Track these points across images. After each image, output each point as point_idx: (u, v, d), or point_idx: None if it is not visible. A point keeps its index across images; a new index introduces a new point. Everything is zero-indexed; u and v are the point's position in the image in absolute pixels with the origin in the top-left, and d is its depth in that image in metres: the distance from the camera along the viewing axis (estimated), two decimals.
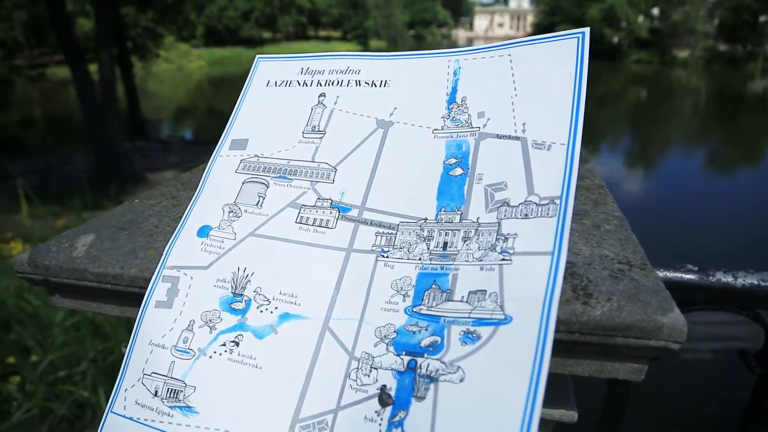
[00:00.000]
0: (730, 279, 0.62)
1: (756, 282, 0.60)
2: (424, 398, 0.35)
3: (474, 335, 0.35)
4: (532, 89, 0.45)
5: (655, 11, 35.71)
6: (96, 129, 7.32)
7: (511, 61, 0.47)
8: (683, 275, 0.62)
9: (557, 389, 0.50)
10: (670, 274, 0.63)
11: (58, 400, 1.97)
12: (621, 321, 0.37)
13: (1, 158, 7.76)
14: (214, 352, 0.42)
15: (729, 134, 12.05)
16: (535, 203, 0.39)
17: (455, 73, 0.49)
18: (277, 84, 0.57)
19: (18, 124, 12.79)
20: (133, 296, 0.49)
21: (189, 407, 0.41)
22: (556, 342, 0.39)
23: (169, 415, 0.41)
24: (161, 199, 0.63)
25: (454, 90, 0.49)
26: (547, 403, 0.49)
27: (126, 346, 0.46)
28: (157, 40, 13.03)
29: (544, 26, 45.11)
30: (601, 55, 33.56)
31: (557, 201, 0.39)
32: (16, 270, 0.53)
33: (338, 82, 0.54)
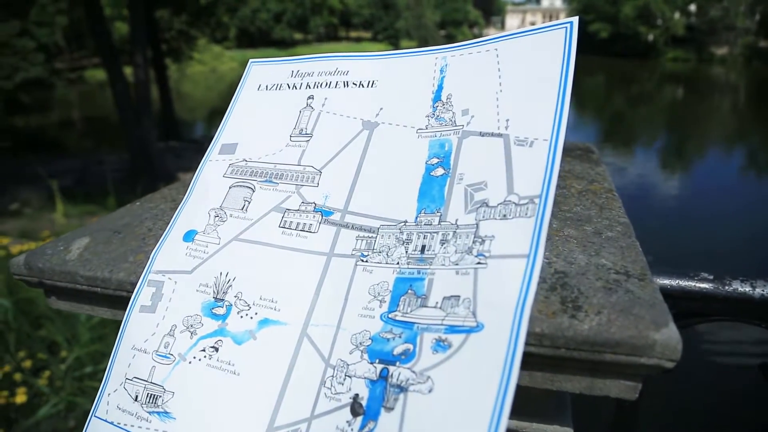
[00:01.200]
0: (747, 289, 0.58)
1: None
2: (393, 409, 0.34)
3: (445, 343, 0.34)
4: (517, 84, 0.43)
5: (692, 7, 34.63)
6: (130, 130, 7.52)
7: (497, 55, 0.45)
8: (697, 284, 0.59)
9: (553, 404, 0.48)
10: (684, 283, 0.60)
11: (84, 395, 2.02)
12: (610, 336, 0.34)
13: (40, 159, 8.03)
14: (194, 358, 0.42)
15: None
16: (514, 203, 0.38)
17: (441, 71, 0.48)
18: (268, 88, 0.56)
19: (57, 126, 13.23)
20: (122, 300, 0.49)
21: (167, 413, 0.40)
22: (542, 357, 0.37)
23: (147, 420, 0.41)
24: (160, 202, 0.63)
25: (440, 88, 0.47)
26: (541, 418, 0.47)
27: (112, 351, 0.46)
28: (190, 43, 13.27)
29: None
30: (635, 54, 32.78)
31: (536, 200, 0.37)
32: (13, 272, 0.53)
33: (326, 84, 0.53)
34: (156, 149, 7.91)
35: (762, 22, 32.29)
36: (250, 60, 0.60)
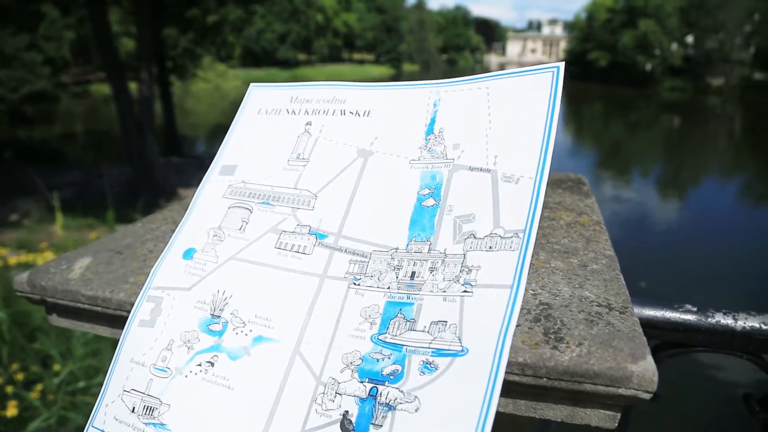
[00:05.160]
0: (730, 321, 0.59)
1: (757, 325, 0.58)
2: (381, 426, 0.35)
3: (432, 366, 0.36)
4: (506, 122, 0.45)
5: (689, 39, 35.19)
6: (132, 144, 7.58)
7: (488, 94, 0.48)
8: (681, 315, 0.61)
9: (539, 429, 0.49)
10: (669, 314, 0.61)
11: (77, 409, 2.01)
12: (589, 368, 0.36)
13: (42, 171, 8.06)
14: (190, 372, 0.43)
15: (764, 163, 11.72)
16: (499, 236, 0.40)
17: (434, 105, 0.50)
18: (268, 112, 0.58)
19: (60, 138, 13.31)
20: (122, 319, 0.50)
21: (162, 424, 0.42)
22: (525, 386, 0.38)
23: (143, 431, 0.42)
24: (161, 223, 0.65)
25: (433, 121, 0.49)
26: None
27: (111, 363, 0.47)
28: (195, 61, 13.42)
29: (576, 53, 45.06)
30: (633, 83, 33.21)
31: (520, 234, 0.39)
32: (16, 289, 0.55)
33: (324, 111, 0.55)
34: (157, 164, 7.96)
35: (757, 55, 32.80)
36: (251, 84, 0.62)
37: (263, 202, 0.51)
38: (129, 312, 0.49)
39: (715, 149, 13.84)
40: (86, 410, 1.98)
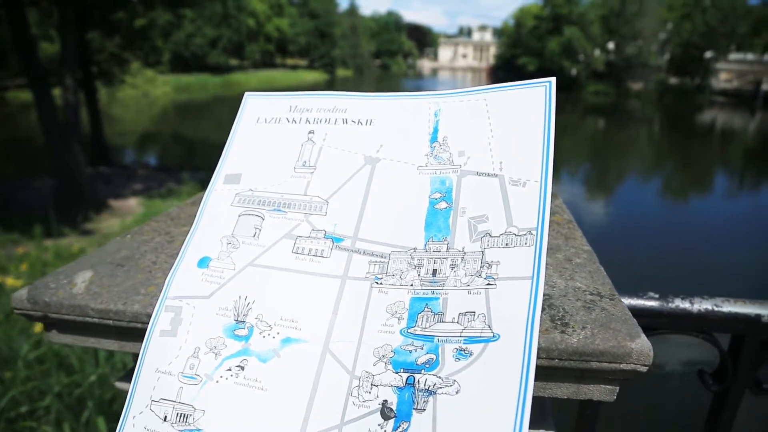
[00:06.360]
0: (687, 305, 0.67)
1: (710, 307, 0.66)
2: (424, 410, 0.39)
3: (466, 352, 0.40)
4: (507, 131, 0.50)
5: (611, 45, 37.43)
6: (58, 154, 7.17)
7: (486, 105, 0.52)
8: (646, 302, 0.68)
9: (537, 410, 0.54)
10: (634, 301, 0.68)
11: None
12: (595, 347, 0.41)
13: None
14: (221, 377, 0.45)
15: (681, 161, 12.65)
16: (514, 234, 0.44)
17: (436, 114, 0.54)
18: (267, 121, 0.59)
19: None
20: (134, 331, 0.51)
21: (199, 430, 0.43)
22: (537, 367, 0.43)
23: None
24: (154, 235, 0.65)
25: (436, 130, 0.53)
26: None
27: (133, 375, 0.47)
28: (123, 66, 12.85)
29: (506, 58, 46.85)
30: (560, 87, 34.74)
31: (534, 232, 0.44)
32: (14, 307, 0.54)
33: (326, 120, 0.57)
34: (85, 175, 7.57)
35: (671, 61, 35.43)
36: (246, 93, 0.63)
37: (274, 209, 0.53)
38: (144, 323, 0.49)
39: (636, 148, 14.79)
40: None
